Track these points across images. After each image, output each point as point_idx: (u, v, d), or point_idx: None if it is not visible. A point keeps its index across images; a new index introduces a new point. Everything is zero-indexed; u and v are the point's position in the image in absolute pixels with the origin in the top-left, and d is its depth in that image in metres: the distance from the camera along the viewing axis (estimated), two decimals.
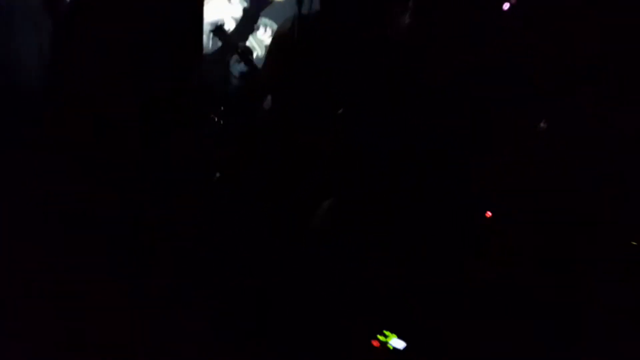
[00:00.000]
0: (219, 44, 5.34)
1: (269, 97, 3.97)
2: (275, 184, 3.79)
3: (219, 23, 5.38)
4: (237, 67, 4.88)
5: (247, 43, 5.96)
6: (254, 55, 5.55)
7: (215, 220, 3.68)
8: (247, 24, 6.07)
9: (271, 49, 4.38)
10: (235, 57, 4.93)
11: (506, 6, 3.54)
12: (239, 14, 6.33)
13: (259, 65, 4.66)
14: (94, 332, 3.28)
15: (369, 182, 3.69)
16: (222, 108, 3.94)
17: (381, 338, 3.34)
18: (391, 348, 3.34)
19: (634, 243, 3.40)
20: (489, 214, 3.56)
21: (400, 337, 3.39)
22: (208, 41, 5.33)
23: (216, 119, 3.82)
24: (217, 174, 3.81)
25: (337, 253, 3.61)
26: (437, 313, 3.44)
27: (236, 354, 3.41)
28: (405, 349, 3.34)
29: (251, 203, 3.75)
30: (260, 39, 7.01)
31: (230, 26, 6.00)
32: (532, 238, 3.52)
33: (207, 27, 4.53)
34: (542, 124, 3.65)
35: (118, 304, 3.35)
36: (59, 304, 3.30)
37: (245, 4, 6.45)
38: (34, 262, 3.30)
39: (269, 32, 6.97)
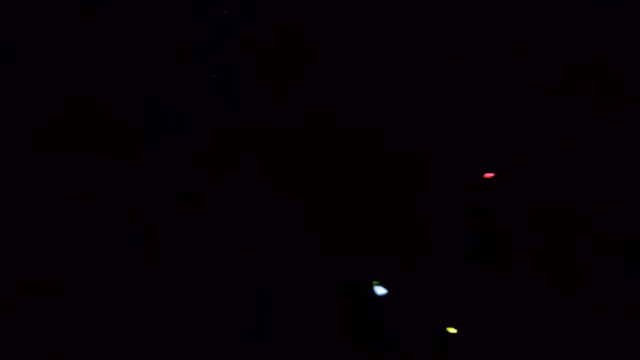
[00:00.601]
0: None
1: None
2: (276, 182, 3.78)
3: None
4: None
5: None
6: None
7: (215, 220, 3.68)
8: None
9: None
10: None
11: None
12: None
13: None
14: (94, 332, 3.28)
15: (369, 181, 3.69)
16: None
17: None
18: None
19: None
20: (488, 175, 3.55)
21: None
22: None
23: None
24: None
25: (338, 252, 3.61)
26: (437, 312, 3.45)
27: (236, 354, 3.41)
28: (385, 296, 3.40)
29: (251, 202, 3.75)
30: None
31: None
32: (532, 237, 3.53)
33: None
34: (542, 123, 3.65)
35: (118, 304, 3.35)
36: (59, 304, 3.29)
37: None
38: (33, 262, 3.30)
39: None
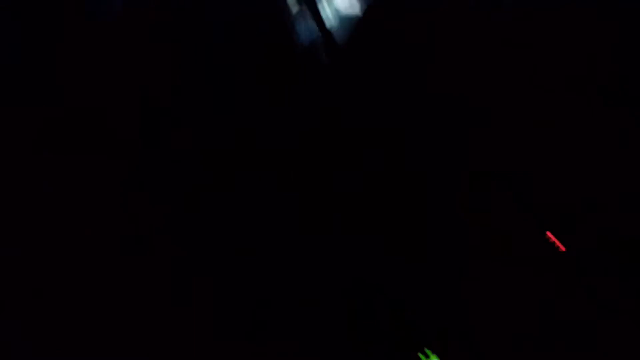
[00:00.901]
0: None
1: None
2: (276, 182, 3.78)
3: None
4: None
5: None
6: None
7: (215, 220, 3.68)
8: None
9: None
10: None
11: None
12: None
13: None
14: (94, 332, 3.28)
15: (369, 180, 3.69)
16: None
17: (422, 357, 3.38)
18: None
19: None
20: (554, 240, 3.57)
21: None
22: None
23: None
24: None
25: (338, 252, 3.61)
26: (437, 312, 3.46)
27: (236, 354, 3.42)
28: None
29: (251, 202, 3.75)
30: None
31: None
32: (532, 237, 3.54)
33: None
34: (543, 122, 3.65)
35: (118, 304, 3.36)
36: (59, 303, 3.30)
37: None
38: (33, 262, 3.30)
39: None
